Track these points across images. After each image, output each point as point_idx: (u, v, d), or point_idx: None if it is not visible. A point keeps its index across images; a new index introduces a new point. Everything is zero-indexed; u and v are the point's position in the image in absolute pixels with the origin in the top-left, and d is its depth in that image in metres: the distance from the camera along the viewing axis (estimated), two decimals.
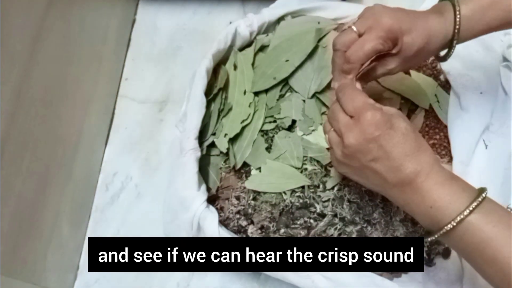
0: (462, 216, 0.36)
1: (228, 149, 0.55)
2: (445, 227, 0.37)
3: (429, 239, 0.39)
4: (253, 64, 0.59)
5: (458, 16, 0.44)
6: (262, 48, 0.61)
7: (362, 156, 0.40)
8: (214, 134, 0.57)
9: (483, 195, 0.37)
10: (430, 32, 0.44)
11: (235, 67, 0.59)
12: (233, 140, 0.55)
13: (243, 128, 0.55)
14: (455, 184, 0.38)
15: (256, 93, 0.58)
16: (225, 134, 0.55)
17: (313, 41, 0.58)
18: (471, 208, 0.36)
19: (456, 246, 0.39)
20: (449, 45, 0.46)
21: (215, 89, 0.58)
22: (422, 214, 0.39)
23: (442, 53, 0.48)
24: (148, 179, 0.63)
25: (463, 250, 0.38)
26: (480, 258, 0.37)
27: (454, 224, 0.37)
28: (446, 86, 0.61)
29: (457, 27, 0.44)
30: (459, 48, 0.61)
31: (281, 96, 0.58)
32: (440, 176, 0.38)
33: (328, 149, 0.53)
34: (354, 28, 0.44)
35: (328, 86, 0.57)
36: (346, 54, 0.44)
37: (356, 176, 0.43)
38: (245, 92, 0.57)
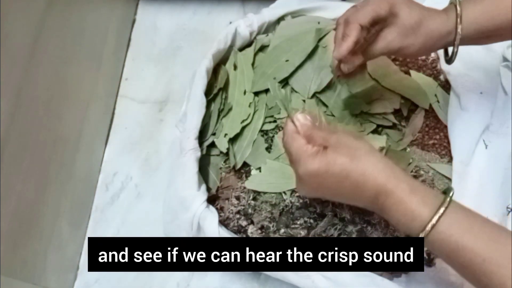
0: (428, 228, 0.36)
1: (228, 149, 0.55)
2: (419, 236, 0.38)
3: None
4: (253, 64, 0.59)
5: (459, 13, 0.45)
6: (262, 48, 0.61)
7: (321, 194, 0.42)
8: (214, 134, 0.57)
9: (445, 205, 0.37)
10: (429, 17, 0.45)
11: (235, 67, 0.59)
12: (233, 140, 0.55)
13: (243, 128, 0.55)
14: (414, 198, 0.37)
15: (256, 93, 0.58)
16: (225, 134, 0.55)
17: (313, 41, 0.58)
18: (432, 223, 0.36)
19: (434, 251, 0.40)
20: (453, 43, 0.47)
21: (215, 89, 0.58)
22: (397, 226, 0.40)
23: (449, 52, 0.49)
24: (148, 179, 0.63)
25: (440, 255, 0.39)
26: (454, 265, 0.38)
27: (423, 235, 0.37)
28: (446, 86, 0.61)
29: (459, 25, 0.45)
30: (459, 47, 0.61)
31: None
32: (399, 193, 0.38)
33: None
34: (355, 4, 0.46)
35: (328, 86, 0.57)
36: (345, 18, 0.45)
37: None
38: (245, 92, 0.57)
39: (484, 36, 0.46)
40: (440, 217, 0.36)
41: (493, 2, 0.45)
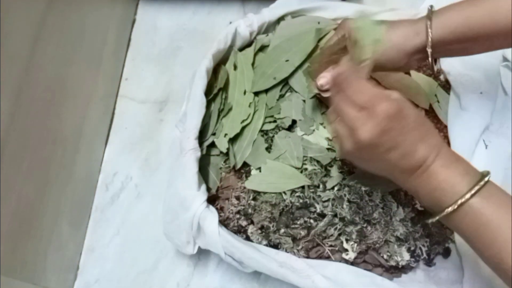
0: (463, 199, 0.37)
1: (228, 149, 0.55)
2: (447, 210, 0.38)
3: (430, 221, 0.40)
4: (253, 64, 0.59)
5: (429, 26, 0.46)
6: (262, 48, 0.61)
7: (375, 148, 0.40)
8: (214, 134, 0.57)
9: (486, 179, 0.38)
10: (398, 42, 0.47)
11: (235, 67, 0.59)
12: (233, 140, 0.55)
13: (243, 128, 0.55)
14: (460, 166, 0.39)
15: (256, 93, 0.58)
16: (225, 134, 0.55)
17: (313, 41, 0.58)
18: (473, 192, 0.37)
19: (456, 228, 0.40)
20: (426, 54, 0.47)
21: (215, 89, 0.58)
22: (427, 196, 0.40)
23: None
24: (148, 179, 0.63)
25: (463, 232, 0.39)
26: (479, 241, 0.38)
27: (455, 207, 0.37)
28: (446, 86, 0.61)
29: (429, 37, 0.46)
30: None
31: (281, 96, 0.58)
32: (446, 158, 0.39)
33: (331, 140, 0.53)
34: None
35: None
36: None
37: (365, 165, 0.44)
38: (245, 92, 0.57)
39: (460, 41, 0.46)
40: (480, 188, 0.37)
41: (467, 9, 0.45)
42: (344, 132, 0.41)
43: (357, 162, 0.45)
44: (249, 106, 0.56)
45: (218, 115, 0.57)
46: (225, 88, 0.59)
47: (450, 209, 0.38)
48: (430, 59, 0.47)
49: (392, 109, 0.39)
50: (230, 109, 0.57)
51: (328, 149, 0.54)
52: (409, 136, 0.39)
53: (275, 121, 0.56)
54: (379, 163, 0.41)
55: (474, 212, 0.37)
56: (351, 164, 0.52)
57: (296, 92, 0.58)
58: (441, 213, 0.39)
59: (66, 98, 0.56)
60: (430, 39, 0.46)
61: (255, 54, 0.60)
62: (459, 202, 0.37)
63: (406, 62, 0.48)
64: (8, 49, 0.43)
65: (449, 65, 0.60)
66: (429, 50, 0.47)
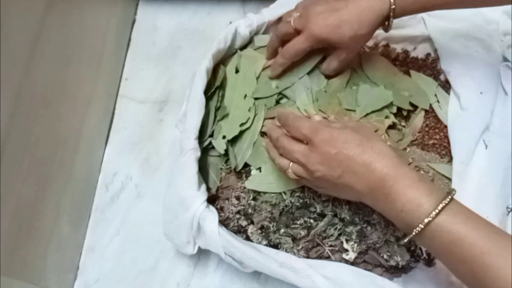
0: (430, 218, 0.37)
1: (226, 150, 0.54)
2: (415, 230, 0.38)
3: (402, 242, 0.41)
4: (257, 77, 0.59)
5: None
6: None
7: (330, 175, 0.42)
8: (211, 135, 0.56)
9: (450, 196, 0.38)
10: (360, 18, 0.48)
11: (237, 71, 0.59)
12: (232, 142, 0.55)
13: (242, 131, 0.55)
14: (423, 186, 0.39)
15: (256, 98, 0.58)
16: (223, 136, 0.55)
17: (321, 52, 0.58)
18: (437, 210, 0.37)
19: (428, 246, 0.40)
20: (387, 20, 0.50)
21: (213, 88, 0.58)
22: (396, 218, 0.41)
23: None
24: (148, 179, 0.63)
25: (435, 250, 0.40)
26: (451, 257, 0.38)
27: (422, 226, 0.38)
28: (446, 86, 0.60)
29: (392, 7, 0.48)
30: (459, 48, 0.61)
31: (277, 102, 0.58)
32: (407, 179, 0.40)
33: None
34: (292, 23, 0.52)
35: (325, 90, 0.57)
36: (282, 50, 0.54)
37: (333, 193, 0.46)
38: (245, 96, 0.57)
39: (414, 12, 0.49)
40: (445, 206, 0.38)
41: None
42: (299, 170, 0.45)
43: (327, 192, 0.47)
44: (249, 110, 0.56)
45: (215, 114, 0.57)
46: (221, 86, 0.59)
47: (418, 229, 0.38)
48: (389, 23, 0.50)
49: (327, 136, 0.42)
50: (228, 112, 0.57)
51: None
52: (356, 160, 0.41)
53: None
54: (341, 189, 0.43)
55: (442, 230, 0.37)
56: None
57: (290, 100, 0.57)
58: (411, 234, 0.39)
59: (66, 98, 0.56)
60: (392, 14, 0.48)
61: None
62: (426, 221, 0.37)
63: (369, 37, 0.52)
64: (8, 49, 0.43)
65: (449, 65, 0.60)
66: (391, 20, 0.49)
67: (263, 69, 0.59)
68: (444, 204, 0.38)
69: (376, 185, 0.40)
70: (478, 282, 0.36)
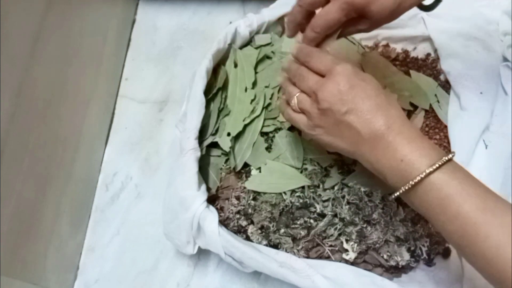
0: (430, 169, 0.37)
1: (231, 147, 0.54)
2: (413, 180, 0.38)
3: (395, 195, 0.40)
4: (255, 69, 0.59)
5: None
6: (265, 59, 0.61)
7: (336, 109, 0.40)
8: (213, 134, 0.56)
9: (450, 155, 0.38)
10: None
11: (235, 65, 0.59)
12: (234, 141, 0.55)
13: (245, 127, 0.55)
14: (426, 141, 0.39)
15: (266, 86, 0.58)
16: (228, 133, 0.55)
17: None
18: (440, 163, 0.37)
19: (421, 202, 0.39)
20: None
21: (215, 89, 0.58)
22: (392, 169, 0.39)
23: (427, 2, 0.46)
24: (148, 179, 0.63)
25: (427, 206, 0.39)
26: (443, 214, 0.37)
27: (422, 176, 0.37)
28: (446, 86, 0.60)
29: None
30: (459, 48, 0.61)
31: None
32: (411, 132, 0.39)
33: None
34: None
35: None
36: (311, 22, 0.43)
37: (330, 136, 0.43)
38: (246, 89, 0.57)
39: None
40: (446, 161, 0.37)
41: None
42: (306, 101, 0.43)
43: (322, 135, 0.43)
44: (251, 103, 0.56)
45: (218, 115, 0.57)
46: (224, 87, 0.59)
47: (417, 179, 0.37)
48: None
49: (348, 70, 0.41)
50: (231, 110, 0.57)
51: (327, 151, 0.54)
52: (367, 101, 0.40)
53: (274, 124, 0.56)
54: (342, 130, 0.41)
55: (440, 184, 0.37)
56: (349, 163, 0.52)
57: None
58: (406, 185, 0.38)
59: (66, 98, 0.56)
60: None
61: (258, 62, 0.60)
62: (426, 171, 0.37)
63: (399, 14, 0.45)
64: (8, 49, 0.43)
65: (449, 65, 0.60)
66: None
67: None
68: (444, 161, 0.37)
69: (379, 132, 0.39)
70: (468, 240, 0.36)
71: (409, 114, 0.58)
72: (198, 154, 0.52)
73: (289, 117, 0.46)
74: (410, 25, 0.64)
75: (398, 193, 0.39)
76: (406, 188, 0.38)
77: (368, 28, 0.44)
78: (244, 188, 0.53)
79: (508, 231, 0.34)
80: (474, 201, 0.36)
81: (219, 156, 0.56)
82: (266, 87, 0.58)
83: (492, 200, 0.36)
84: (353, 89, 0.40)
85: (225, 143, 0.55)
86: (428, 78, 0.61)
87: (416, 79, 0.60)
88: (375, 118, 0.39)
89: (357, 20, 0.44)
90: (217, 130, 0.57)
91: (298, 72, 0.44)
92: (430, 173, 0.37)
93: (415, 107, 0.58)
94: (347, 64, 0.41)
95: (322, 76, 0.43)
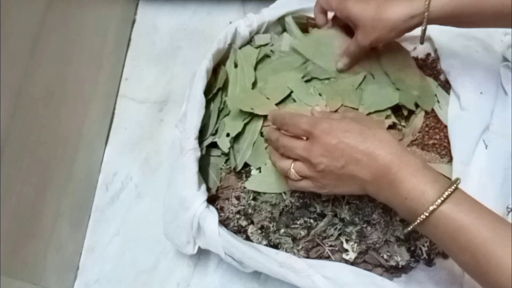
0: (435, 206, 0.37)
1: (230, 148, 0.54)
2: (419, 217, 0.38)
3: (406, 230, 0.40)
4: (255, 68, 0.59)
5: (426, 8, 0.47)
6: (265, 57, 0.61)
7: (333, 166, 0.41)
8: (213, 134, 0.56)
9: (455, 185, 0.38)
10: (386, 8, 0.48)
11: (235, 65, 0.59)
12: (233, 141, 0.55)
13: (244, 127, 0.55)
14: (427, 174, 0.39)
15: None
16: (227, 134, 0.55)
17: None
18: (443, 198, 0.37)
19: (432, 235, 0.40)
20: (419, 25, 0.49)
21: (215, 89, 0.58)
22: (400, 206, 0.40)
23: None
24: (148, 179, 0.63)
25: (438, 238, 0.39)
26: (454, 246, 0.38)
27: (427, 214, 0.38)
28: (446, 86, 0.60)
29: (425, 14, 0.47)
30: (459, 48, 0.61)
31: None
32: (411, 166, 0.39)
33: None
34: None
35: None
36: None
37: (339, 188, 0.44)
38: None
39: (452, 21, 0.49)
40: (450, 193, 0.37)
41: None
42: (302, 168, 0.44)
43: (332, 190, 0.45)
44: None
45: (218, 115, 0.57)
46: (224, 88, 0.59)
47: (423, 216, 0.38)
48: (422, 33, 0.51)
49: (326, 126, 0.42)
50: (231, 109, 0.57)
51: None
52: (358, 147, 0.40)
53: None
54: (346, 181, 0.42)
55: (446, 218, 0.37)
56: None
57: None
58: (415, 221, 0.39)
59: (66, 98, 0.56)
60: (425, 21, 0.48)
61: (258, 62, 0.60)
62: (431, 208, 0.37)
63: (395, 37, 0.52)
64: (8, 49, 0.43)
65: (449, 65, 0.60)
66: (423, 27, 0.49)
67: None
68: (449, 192, 0.37)
69: (380, 172, 0.40)
70: (481, 270, 0.36)
71: (409, 114, 0.58)
72: (198, 154, 0.52)
73: (295, 188, 0.46)
74: None
75: (408, 229, 0.40)
76: (415, 224, 0.39)
77: (361, 41, 0.52)
78: (244, 188, 0.53)
79: None
80: (481, 232, 0.36)
81: (219, 156, 0.56)
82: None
83: (499, 228, 0.36)
84: (339, 143, 0.41)
85: (224, 143, 0.55)
86: (428, 78, 0.61)
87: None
88: (371, 161, 0.40)
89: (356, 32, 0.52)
90: (217, 130, 0.57)
91: (281, 144, 0.46)
92: (435, 209, 0.37)
93: (415, 107, 0.58)
94: (322, 123, 0.42)
95: (305, 138, 0.44)
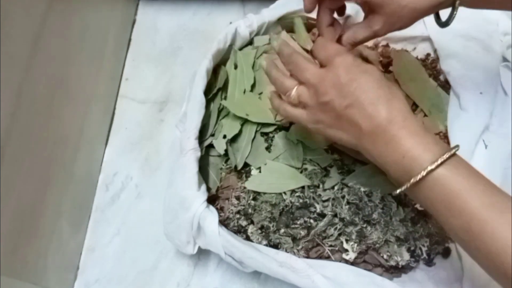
0: (433, 166, 0.36)
1: (226, 150, 0.55)
2: (415, 177, 0.37)
3: (398, 191, 0.39)
4: (253, 66, 0.59)
5: None
6: (262, 55, 0.61)
7: (337, 103, 0.39)
8: (213, 135, 0.56)
9: (455, 150, 0.37)
10: (418, 12, 0.42)
11: (235, 66, 0.59)
12: (231, 140, 0.55)
13: (241, 127, 0.55)
14: (429, 136, 0.38)
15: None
16: (224, 136, 0.55)
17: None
18: (443, 159, 0.36)
19: (425, 197, 0.38)
20: (452, 4, 0.44)
21: (215, 89, 0.58)
22: (395, 164, 0.39)
23: (444, 17, 0.46)
24: (148, 179, 0.63)
25: (431, 202, 0.38)
26: (448, 210, 0.37)
27: (424, 173, 0.36)
28: (446, 86, 0.61)
29: None
30: (459, 48, 0.61)
31: None
32: (414, 126, 0.38)
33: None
34: None
35: None
36: None
37: (332, 129, 0.42)
38: (244, 91, 0.57)
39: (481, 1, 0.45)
40: (450, 156, 0.36)
41: None
42: (306, 93, 0.42)
43: (324, 129, 0.42)
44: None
45: (218, 115, 0.57)
46: (224, 88, 0.59)
47: (420, 175, 0.37)
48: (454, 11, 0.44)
49: (349, 61, 0.40)
50: (229, 110, 0.57)
51: (326, 151, 0.54)
52: (369, 94, 0.39)
53: (274, 124, 0.56)
54: (343, 124, 0.40)
55: (444, 179, 0.36)
56: (351, 156, 0.52)
57: None
58: (409, 181, 0.37)
59: (66, 98, 0.56)
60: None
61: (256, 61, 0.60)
62: (429, 168, 0.36)
63: (414, 20, 0.45)
64: (8, 49, 0.43)
65: (449, 65, 0.60)
66: (455, 12, 0.44)
67: None
68: (449, 155, 0.36)
69: (381, 125, 0.38)
70: (473, 236, 0.35)
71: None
72: (198, 154, 0.52)
73: (287, 114, 0.44)
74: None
75: (401, 189, 0.39)
76: (409, 184, 0.37)
77: (381, 28, 0.44)
78: (244, 188, 0.53)
79: None
80: (479, 197, 0.35)
81: (219, 156, 0.56)
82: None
83: (497, 195, 0.36)
84: (354, 81, 0.39)
85: (220, 145, 0.55)
86: (428, 78, 0.61)
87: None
88: (376, 112, 0.38)
89: (369, 17, 0.44)
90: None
91: (293, 60, 0.43)
92: (433, 169, 0.36)
93: (416, 107, 0.58)
94: (348, 55, 0.40)
95: (320, 65, 0.42)
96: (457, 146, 0.38)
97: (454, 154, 0.37)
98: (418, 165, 0.37)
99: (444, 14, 0.46)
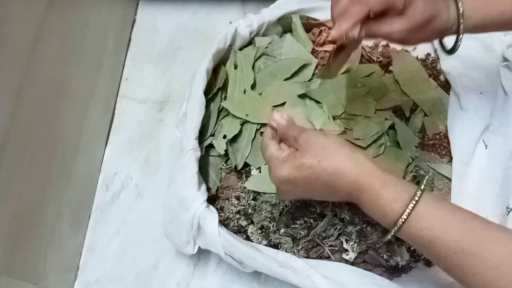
0: (395, 229, 0.37)
1: (226, 150, 0.54)
2: (385, 238, 0.39)
3: (385, 239, 0.40)
4: (253, 67, 0.59)
5: (460, 11, 0.43)
6: (263, 58, 0.61)
7: (298, 196, 0.44)
8: (213, 135, 0.56)
9: (413, 203, 0.37)
10: (439, 14, 0.42)
11: (235, 66, 0.59)
12: (231, 140, 0.55)
13: (241, 126, 0.55)
14: (385, 195, 0.38)
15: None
16: (224, 136, 0.55)
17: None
18: (402, 220, 0.37)
19: (411, 243, 0.40)
20: (456, 31, 0.44)
21: (215, 89, 0.58)
22: (373, 216, 0.40)
23: (450, 44, 0.47)
24: (148, 179, 0.63)
25: (414, 246, 0.40)
26: (429, 256, 0.39)
27: (396, 229, 0.37)
28: (446, 86, 0.60)
29: (460, 11, 0.43)
30: (459, 48, 0.61)
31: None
32: (370, 191, 0.38)
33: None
34: None
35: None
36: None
37: (304, 195, 0.44)
38: (245, 91, 0.57)
39: (486, 27, 0.46)
40: (410, 212, 0.37)
41: None
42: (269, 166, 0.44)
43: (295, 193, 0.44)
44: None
45: (218, 115, 0.57)
46: (224, 88, 0.59)
47: (388, 236, 0.38)
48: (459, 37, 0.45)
49: (279, 175, 0.41)
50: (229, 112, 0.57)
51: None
52: (316, 194, 0.42)
53: None
54: (310, 194, 0.43)
55: (414, 232, 0.37)
56: None
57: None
58: (389, 233, 0.38)
59: (66, 98, 0.56)
60: (461, 34, 0.44)
61: (256, 59, 0.60)
62: (398, 225, 0.37)
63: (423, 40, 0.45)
64: (8, 49, 0.43)
65: (449, 65, 0.60)
66: (458, 43, 0.45)
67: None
68: (409, 211, 0.36)
69: (344, 197, 0.41)
70: (457, 278, 0.37)
71: (411, 112, 0.58)
72: (198, 154, 0.52)
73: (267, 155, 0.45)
74: None
75: (387, 238, 0.39)
76: (390, 235, 0.38)
77: (399, 30, 0.41)
78: (244, 188, 0.53)
79: (493, 267, 0.34)
80: (449, 244, 0.36)
81: (219, 156, 0.56)
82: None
83: (467, 233, 0.36)
84: (291, 187, 0.42)
85: (220, 145, 0.55)
86: (439, 89, 0.61)
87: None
88: (330, 196, 0.42)
89: (393, 16, 0.41)
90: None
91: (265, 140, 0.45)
92: (397, 231, 0.37)
93: (416, 107, 0.58)
94: (277, 169, 0.41)
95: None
96: (422, 184, 0.38)
97: (415, 204, 0.37)
98: (387, 224, 0.38)
99: (449, 41, 0.47)
